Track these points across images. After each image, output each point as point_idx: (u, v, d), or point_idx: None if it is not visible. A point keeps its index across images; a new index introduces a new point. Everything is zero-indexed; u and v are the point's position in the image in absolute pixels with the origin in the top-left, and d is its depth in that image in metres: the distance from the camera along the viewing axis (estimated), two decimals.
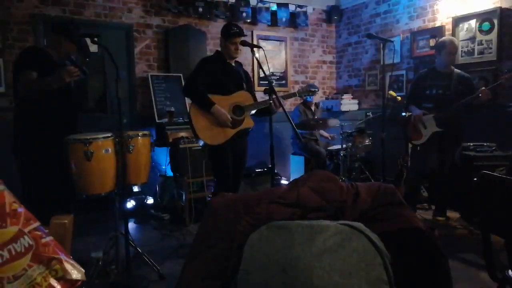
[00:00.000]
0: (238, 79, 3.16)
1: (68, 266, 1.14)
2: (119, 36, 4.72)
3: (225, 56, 3.12)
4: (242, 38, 3.05)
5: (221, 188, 3.08)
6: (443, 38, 3.92)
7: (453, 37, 4.04)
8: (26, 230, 1.12)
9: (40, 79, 2.62)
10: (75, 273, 1.15)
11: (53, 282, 1.11)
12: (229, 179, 3.10)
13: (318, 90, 5.25)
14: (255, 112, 3.16)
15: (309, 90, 3.44)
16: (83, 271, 1.19)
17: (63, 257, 1.16)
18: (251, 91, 3.26)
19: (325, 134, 5.23)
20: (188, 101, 4.84)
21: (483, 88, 3.42)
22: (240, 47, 3.08)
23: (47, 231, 1.21)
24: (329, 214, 1.45)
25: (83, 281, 1.18)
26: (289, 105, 5.80)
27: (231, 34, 3.03)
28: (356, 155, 4.84)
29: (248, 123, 3.10)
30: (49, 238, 1.17)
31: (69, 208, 2.79)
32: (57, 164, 2.70)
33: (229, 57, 3.12)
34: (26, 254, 1.09)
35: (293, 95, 3.32)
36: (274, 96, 2.79)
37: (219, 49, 3.19)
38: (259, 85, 5.69)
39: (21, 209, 1.15)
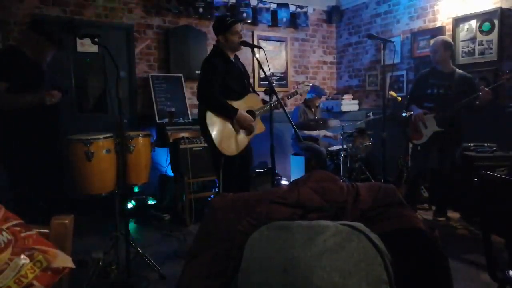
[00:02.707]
0: (241, 79, 3.13)
1: (51, 255, 1.13)
2: (120, 36, 4.72)
3: (226, 52, 3.04)
4: (243, 39, 3.04)
5: (225, 189, 3.08)
6: None
7: (439, 36, 4.05)
8: (4, 227, 1.12)
9: (15, 96, 2.55)
10: (60, 261, 1.13)
11: (39, 273, 1.10)
12: (234, 180, 3.08)
13: (322, 94, 5.24)
14: None
15: (307, 85, 3.40)
16: (70, 258, 1.17)
17: (44, 247, 1.14)
18: (252, 87, 3.24)
19: (329, 134, 5.22)
20: (189, 102, 4.87)
21: (483, 87, 3.42)
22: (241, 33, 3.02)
23: (39, 230, 1.19)
24: (329, 214, 1.45)
25: (71, 268, 1.16)
26: (289, 105, 5.79)
27: (230, 24, 2.95)
28: (356, 155, 4.84)
29: (260, 128, 3.10)
30: (30, 232, 1.16)
31: (63, 209, 2.79)
32: (48, 166, 2.69)
33: (233, 49, 3.05)
34: (6, 249, 1.08)
35: (294, 94, 3.32)
36: (277, 100, 2.79)
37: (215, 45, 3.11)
38: (260, 85, 5.70)
39: None
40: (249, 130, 3.01)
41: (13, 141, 2.64)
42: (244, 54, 5.02)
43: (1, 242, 1.08)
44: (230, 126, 2.95)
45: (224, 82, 2.96)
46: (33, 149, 2.65)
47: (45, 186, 2.73)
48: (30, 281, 1.06)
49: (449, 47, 3.67)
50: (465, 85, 3.62)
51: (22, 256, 1.08)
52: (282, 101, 2.87)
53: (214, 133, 2.87)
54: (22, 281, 1.05)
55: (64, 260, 1.14)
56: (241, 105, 3.00)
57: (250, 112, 3.04)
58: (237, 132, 2.98)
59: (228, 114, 2.91)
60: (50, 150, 2.75)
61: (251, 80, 5.39)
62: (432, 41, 3.86)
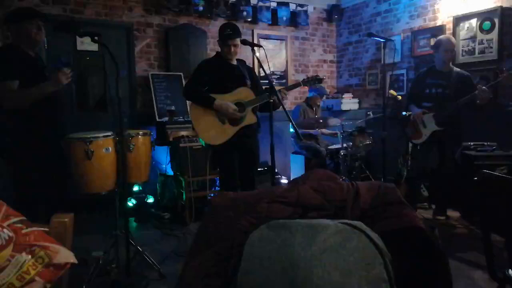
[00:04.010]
0: (239, 77, 3.13)
1: (52, 251, 1.13)
2: (120, 35, 4.72)
3: (223, 57, 3.13)
4: (242, 38, 3.05)
5: (225, 187, 3.08)
6: (440, 36, 3.92)
7: (449, 35, 4.06)
8: (4, 224, 1.12)
9: (28, 89, 2.50)
10: (62, 256, 1.13)
11: (41, 269, 1.10)
12: (233, 179, 3.09)
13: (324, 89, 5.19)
14: (259, 108, 3.13)
15: (315, 78, 3.29)
16: (72, 254, 1.17)
17: (46, 243, 1.14)
18: (257, 87, 3.23)
19: (327, 131, 5.20)
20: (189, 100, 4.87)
21: (479, 86, 3.41)
22: (239, 49, 3.09)
23: (39, 228, 1.19)
24: (329, 213, 1.45)
25: (74, 264, 1.16)
26: (289, 104, 5.80)
27: (224, 37, 3.04)
28: (356, 154, 4.83)
29: (250, 119, 3.08)
30: (31, 229, 1.16)
31: (64, 208, 2.78)
32: (49, 165, 2.68)
33: (227, 58, 3.12)
34: (7, 246, 1.08)
35: (298, 85, 3.28)
36: (274, 95, 2.78)
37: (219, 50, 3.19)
38: None
39: (1, 207, 1.15)
40: (233, 119, 3.02)
41: (13, 141, 2.64)
42: (244, 53, 5.01)
43: (2, 240, 1.08)
44: (213, 116, 3.02)
45: (215, 77, 3.05)
46: (33, 149, 2.65)
47: (46, 186, 2.73)
48: (32, 277, 1.06)
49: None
50: (463, 83, 3.62)
51: (24, 253, 1.08)
52: (280, 93, 2.85)
53: (196, 123, 3.03)
54: (24, 277, 1.05)
55: (66, 256, 1.15)
56: (229, 98, 3.04)
57: (238, 104, 3.05)
58: (222, 122, 3.03)
59: (206, 103, 2.99)
60: (50, 149, 2.75)
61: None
62: (443, 40, 3.69)
